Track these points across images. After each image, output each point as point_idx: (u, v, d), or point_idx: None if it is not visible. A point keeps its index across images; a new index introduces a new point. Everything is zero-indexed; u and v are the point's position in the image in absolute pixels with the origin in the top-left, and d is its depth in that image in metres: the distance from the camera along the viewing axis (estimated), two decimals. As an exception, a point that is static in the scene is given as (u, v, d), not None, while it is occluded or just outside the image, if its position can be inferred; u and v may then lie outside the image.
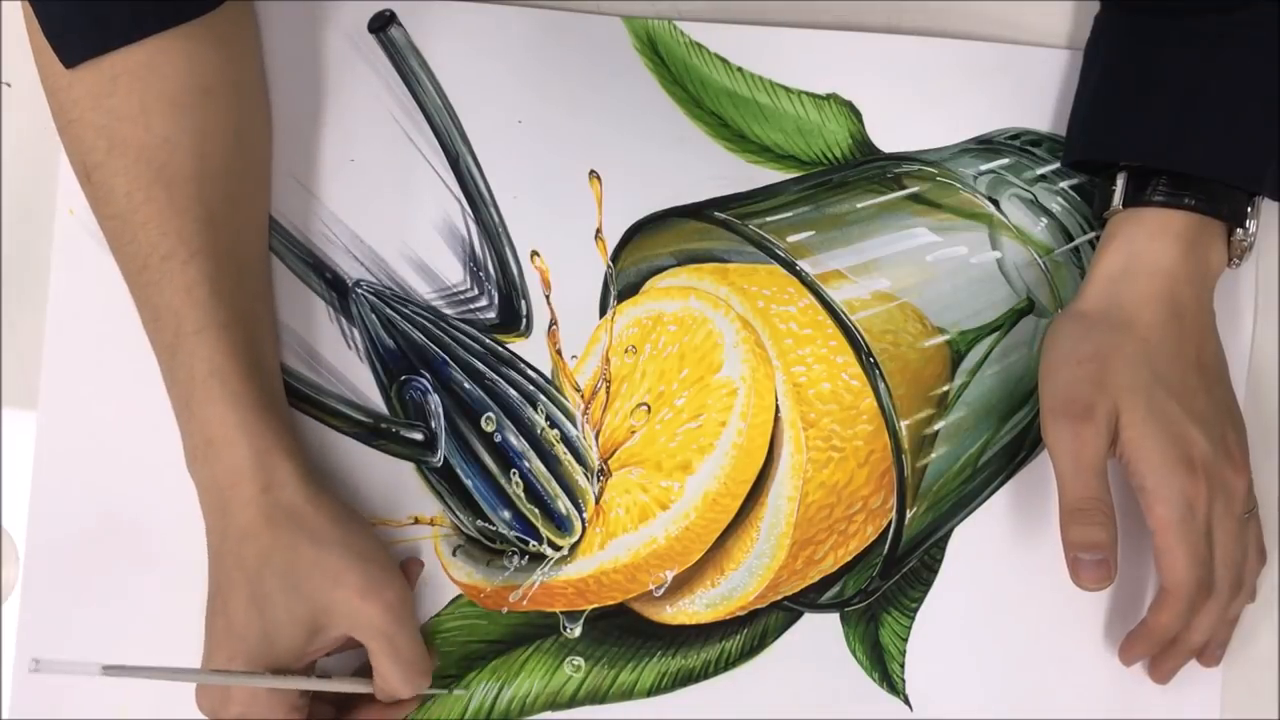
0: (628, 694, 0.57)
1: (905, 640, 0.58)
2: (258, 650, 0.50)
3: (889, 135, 0.60)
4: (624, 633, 0.57)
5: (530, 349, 0.58)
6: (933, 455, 0.56)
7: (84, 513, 0.56)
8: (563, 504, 0.58)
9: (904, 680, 0.58)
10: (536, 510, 0.58)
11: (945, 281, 0.58)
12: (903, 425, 0.55)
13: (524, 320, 0.58)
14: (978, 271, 0.59)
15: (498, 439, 0.58)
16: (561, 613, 0.57)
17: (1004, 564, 0.58)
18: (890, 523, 0.56)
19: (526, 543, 0.57)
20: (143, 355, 0.53)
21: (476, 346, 0.58)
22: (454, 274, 0.58)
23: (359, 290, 0.58)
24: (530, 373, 0.58)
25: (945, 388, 0.57)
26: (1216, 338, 0.56)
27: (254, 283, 0.55)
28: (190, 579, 0.54)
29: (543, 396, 0.58)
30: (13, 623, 0.56)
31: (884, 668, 0.58)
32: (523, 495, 0.58)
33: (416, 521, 0.57)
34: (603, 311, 0.59)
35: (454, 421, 0.57)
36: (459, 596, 0.57)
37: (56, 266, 0.57)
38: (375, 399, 0.58)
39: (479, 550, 0.58)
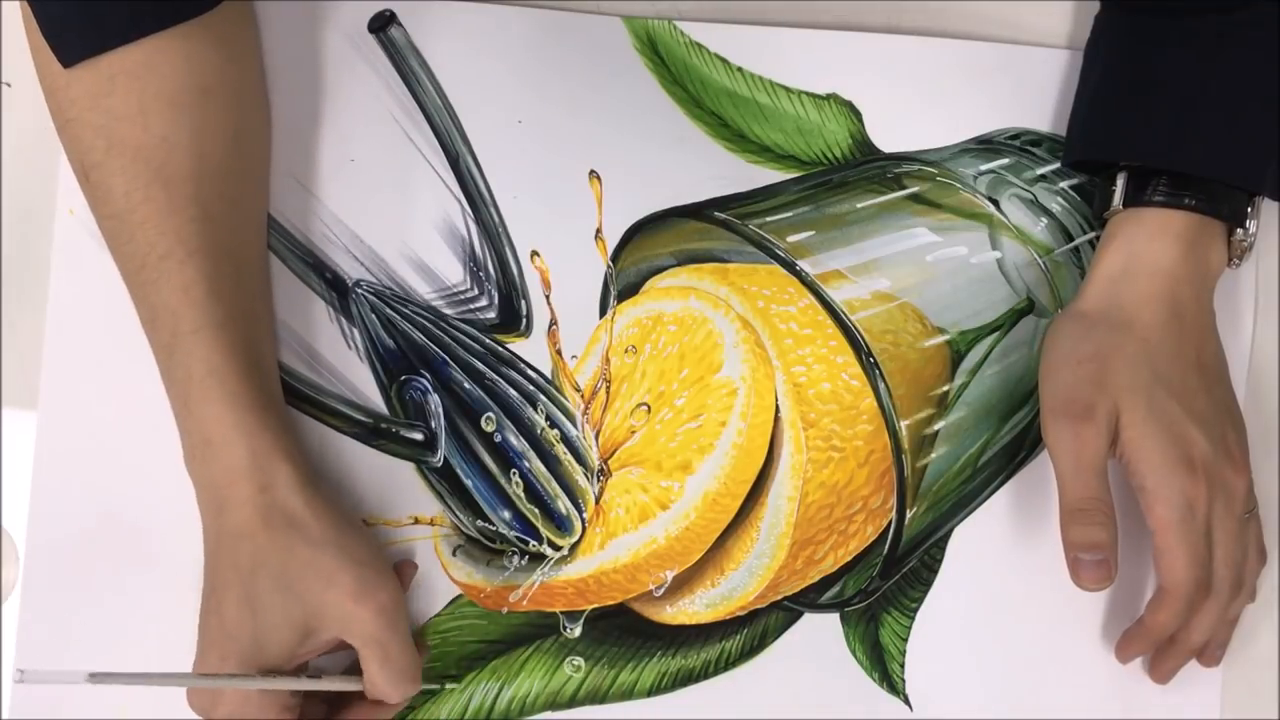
0: (628, 694, 0.57)
1: (905, 640, 0.58)
2: (250, 650, 0.50)
3: (889, 135, 0.60)
4: (624, 633, 0.57)
5: (530, 349, 0.58)
6: (933, 455, 0.56)
7: (84, 513, 0.56)
8: (563, 504, 0.58)
9: (904, 680, 0.58)
10: (536, 510, 0.58)
11: (945, 281, 0.58)
12: (903, 425, 0.55)
13: (524, 320, 0.58)
14: (978, 271, 0.59)
15: (498, 439, 0.58)
16: (561, 613, 0.57)
17: (1004, 564, 0.58)
18: (890, 523, 0.56)
19: (526, 543, 0.57)
20: (143, 355, 0.52)
21: (476, 346, 0.58)
22: (454, 274, 0.58)
23: (359, 290, 0.58)
24: (530, 373, 0.58)
25: (945, 388, 0.57)
26: (1217, 338, 0.56)
27: (252, 282, 0.55)
28: (190, 579, 0.54)
29: (543, 396, 0.58)
30: (12, 623, 0.56)
31: (884, 668, 0.58)
32: (523, 495, 0.58)
33: (416, 521, 0.57)
34: (603, 311, 0.59)
35: (454, 421, 0.57)
36: (459, 596, 0.57)
37: (56, 266, 0.57)
38: (375, 399, 0.58)
39: (479, 550, 0.58)
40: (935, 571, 0.58)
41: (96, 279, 0.56)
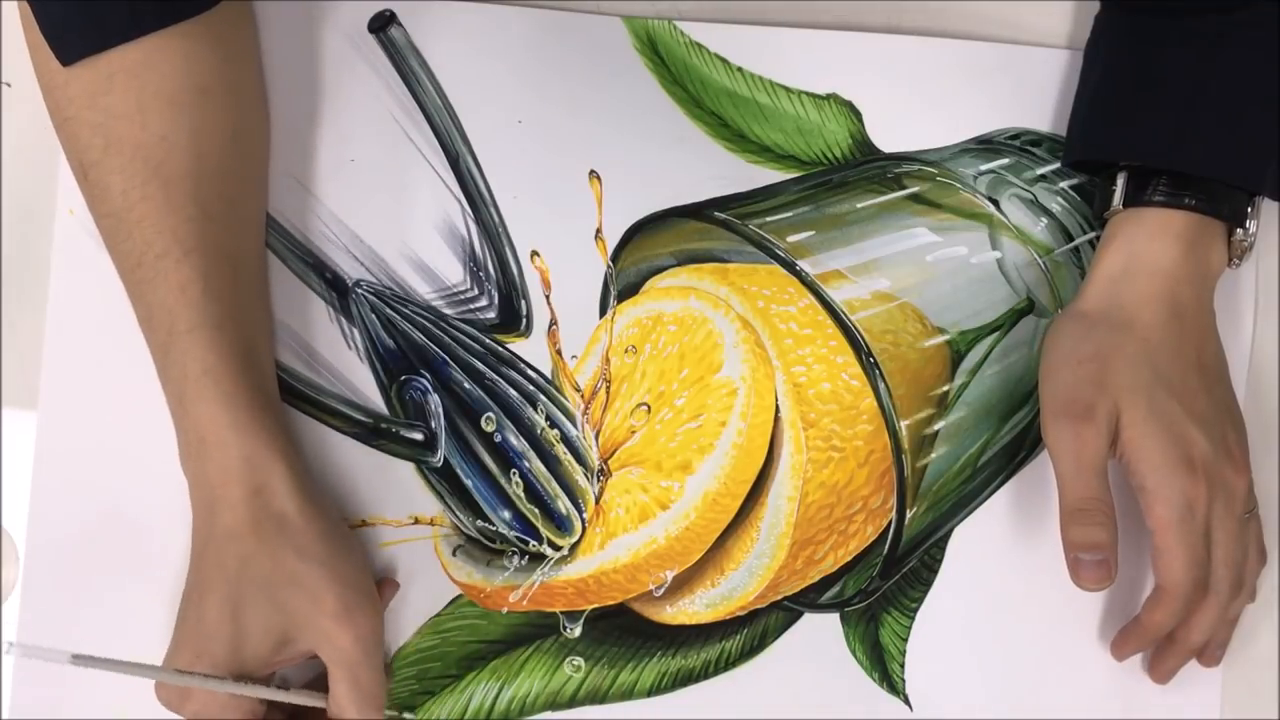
0: (628, 694, 0.57)
1: (905, 640, 0.58)
2: (224, 653, 0.50)
3: (889, 135, 0.60)
4: (624, 633, 0.57)
5: (530, 349, 0.58)
6: (933, 455, 0.56)
7: (84, 512, 0.56)
8: (563, 504, 0.58)
9: (904, 680, 0.58)
10: (536, 510, 0.57)
11: (945, 281, 0.58)
12: (903, 425, 0.55)
13: (524, 320, 0.58)
14: (978, 271, 0.59)
15: (498, 439, 0.58)
16: (561, 613, 0.57)
17: (1004, 564, 0.58)
18: (890, 523, 0.56)
19: (526, 543, 0.57)
20: (142, 355, 0.52)
21: (476, 346, 0.58)
22: (454, 274, 0.58)
23: (359, 290, 0.58)
24: (530, 373, 0.58)
25: (945, 388, 0.57)
26: (1217, 338, 0.56)
27: (250, 282, 0.55)
28: (190, 579, 0.54)
29: (543, 396, 0.58)
30: (13, 623, 0.56)
31: (884, 668, 0.58)
32: (523, 495, 0.57)
33: (416, 521, 0.57)
34: (603, 311, 0.59)
35: (454, 421, 0.57)
36: (459, 596, 0.57)
37: (56, 266, 0.57)
38: (375, 399, 0.58)
39: (479, 550, 0.58)
40: (935, 571, 0.58)
41: (96, 279, 0.56)
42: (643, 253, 0.59)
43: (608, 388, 0.58)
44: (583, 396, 0.58)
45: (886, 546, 0.57)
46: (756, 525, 0.57)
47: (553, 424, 0.58)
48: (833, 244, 0.57)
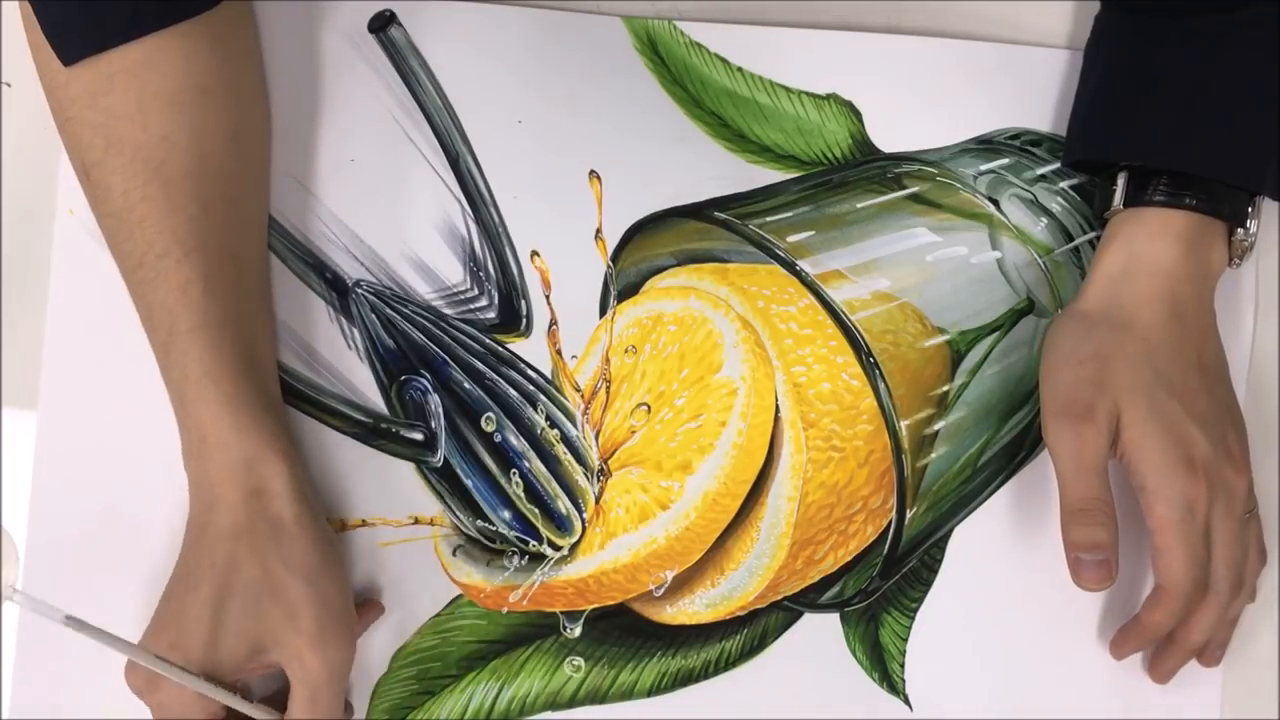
0: (628, 694, 0.57)
1: (905, 640, 0.58)
2: (200, 649, 0.50)
3: (889, 135, 0.60)
4: (624, 633, 0.57)
5: (530, 349, 0.58)
6: (933, 455, 0.56)
7: (84, 512, 0.56)
8: (563, 504, 0.58)
9: (904, 680, 0.58)
10: (536, 510, 0.57)
11: (945, 281, 0.58)
12: (903, 425, 0.55)
13: (524, 320, 0.58)
14: (978, 271, 0.59)
15: (498, 439, 0.58)
16: (561, 613, 0.57)
17: (1004, 564, 0.58)
18: (890, 523, 0.56)
19: (526, 543, 0.57)
20: (143, 355, 0.53)
21: (476, 346, 0.58)
22: (454, 274, 0.58)
23: (359, 290, 0.58)
24: (530, 373, 0.58)
25: (945, 388, 0.57)
26: (1217, 338, 0.56)
27: (251, 282, 0.55)
28: (190, 579, 0.54)
29: (543, 396, 0.58)
30: (13, 623, 0.56)
31: (884, 668, 0.58)
32: (523, 495, 0.57)
33: (416, 521, 0.57)
34: (603, 311, 0.59)
35: (454, 421, 0.57)
36: (459, 596, 0.57)
37: (56, 266, 0.57)
38: (375, 399, 0.58)
39: (479, 550, 0.58)
40: (935, 571, 0.58)
41: (96, 279, 0.56)
42: (643, 253, 0.59)
43: (608, 388, 0.58)
44: (583, 396, 0.58)
45: (886, 546, 0.57)
46: (756, 525, 0.57)
47: (553, 424, 0.58)
48: (833, 244, 0.57)
